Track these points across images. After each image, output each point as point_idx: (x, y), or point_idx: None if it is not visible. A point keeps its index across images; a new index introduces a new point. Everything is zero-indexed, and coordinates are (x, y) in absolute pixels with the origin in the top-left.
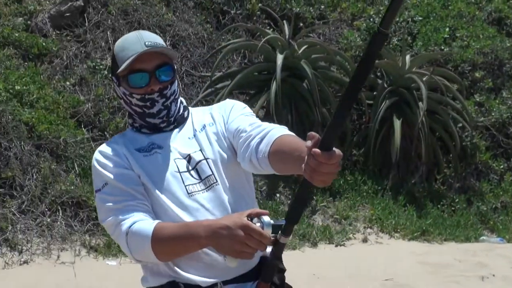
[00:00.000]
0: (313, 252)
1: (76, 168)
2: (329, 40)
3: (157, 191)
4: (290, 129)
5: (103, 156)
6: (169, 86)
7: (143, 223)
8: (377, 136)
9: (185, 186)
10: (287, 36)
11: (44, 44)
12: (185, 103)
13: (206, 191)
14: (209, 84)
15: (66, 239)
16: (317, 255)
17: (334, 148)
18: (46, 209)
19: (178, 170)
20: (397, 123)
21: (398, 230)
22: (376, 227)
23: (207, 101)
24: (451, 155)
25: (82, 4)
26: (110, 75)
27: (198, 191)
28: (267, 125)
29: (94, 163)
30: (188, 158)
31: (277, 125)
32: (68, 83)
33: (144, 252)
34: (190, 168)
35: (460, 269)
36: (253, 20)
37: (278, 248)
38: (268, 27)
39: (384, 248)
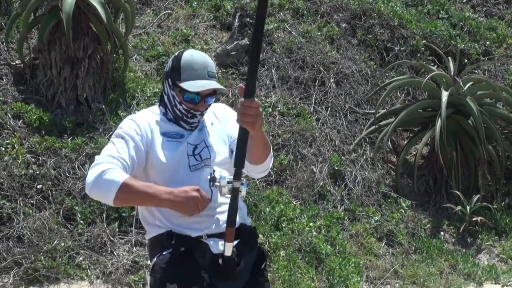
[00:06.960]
0: None
1: None
2: (494, 77)
3: (168, 166)
4: (456, 166)
5: (134, 123)
6: (207, 108)
7: (120, 172)
8: None
9: (189, 163)
10: (452, 73)
11: None
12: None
13: (204, 167)
14: (373, 121)
15: None
16: None
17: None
18: None
19: (187, 153)
20: None
21: None
22: None
23: (371, 138)
24: None
25: (248, 42)
26: (165, 76)
27: (199, 168)
28: None
29: (126, 120)
30: (195, 146)
31: None
32: None
33: (104, 192)
34: (195, 152)
35: None
36: (417, 57)
37: (234, 192)
38: (432, 64)
39: None
